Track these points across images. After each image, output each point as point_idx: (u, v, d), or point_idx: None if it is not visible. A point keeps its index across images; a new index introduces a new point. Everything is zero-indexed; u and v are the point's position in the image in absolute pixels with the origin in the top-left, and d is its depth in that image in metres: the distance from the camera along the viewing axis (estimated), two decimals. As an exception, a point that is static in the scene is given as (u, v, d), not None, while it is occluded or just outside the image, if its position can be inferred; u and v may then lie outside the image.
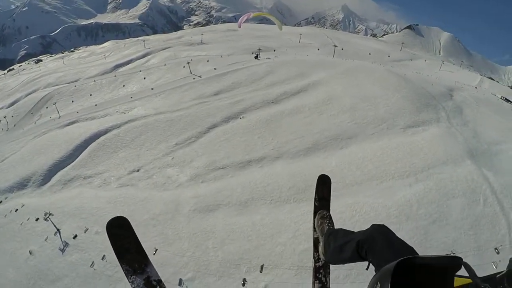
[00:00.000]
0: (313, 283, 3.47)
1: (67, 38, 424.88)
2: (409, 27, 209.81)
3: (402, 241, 1.95)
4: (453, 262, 1.36)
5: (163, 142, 32.77)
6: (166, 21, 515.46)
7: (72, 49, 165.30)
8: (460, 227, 19.56)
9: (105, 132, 36.10)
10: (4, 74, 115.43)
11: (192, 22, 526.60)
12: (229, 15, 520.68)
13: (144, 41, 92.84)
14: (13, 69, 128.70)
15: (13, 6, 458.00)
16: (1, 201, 30.68)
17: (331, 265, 3.27)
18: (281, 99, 36.80)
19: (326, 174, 3.89)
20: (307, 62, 48.01)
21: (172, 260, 19.60)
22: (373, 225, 2.19)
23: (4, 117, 58.63)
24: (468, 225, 19.68)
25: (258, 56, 56.44)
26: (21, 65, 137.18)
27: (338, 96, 34.96)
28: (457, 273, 1.49)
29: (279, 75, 43.23)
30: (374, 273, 1.66)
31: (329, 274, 3.43)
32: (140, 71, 59.56)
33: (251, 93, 39.66)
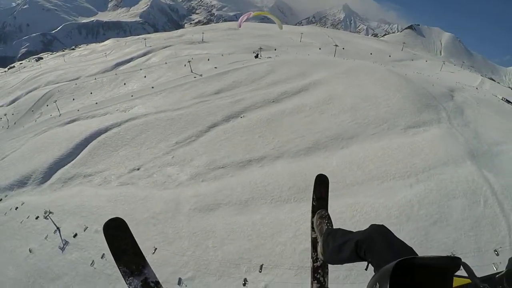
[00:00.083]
0: (312, 283, 3.46)
1: (68, 36, 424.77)
2: (410, 27, 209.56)
3: (401, 241, 1.94)
4: (452, 263, 1.36)
5: (164, 141, 32.74)
6: (167, 19, 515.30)
7: (73, 47, 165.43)
8: (461, 228, 19.55)
9: (106, 130, 36.06)
10: (5, 71, 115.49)
11: (193, 20, 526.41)
12: (230, 13, 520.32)
13: (145, 39, 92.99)
14: (14, 66, 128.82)
15: (14, 4, 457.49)
16: (1, 199, 30.66)
17: (330, 265, 3.26)
18: (282, 98, 36.76)
19: (324, 173, 3.90)
20: (308, 62, 47.94)
21: (172, 259, 19.60)
22: (372, 225, 2.18)
23: (5, 115, 58.63)
24: (468, 226, 19.67)
25: (258, 55, 56.41)
26: (21, 63, 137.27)
27: (339, 95, 34.92)
28: (456, 274, 1.48)
29: (280, 74, 43.18)
30: (373, 273, 1.66)
31: (328, 274, 3.43)
32: (141, 69, 59.50)
33: (251, 92, 39.61)
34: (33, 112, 56.09)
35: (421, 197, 21.19)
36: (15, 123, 54.85)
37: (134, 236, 2.92)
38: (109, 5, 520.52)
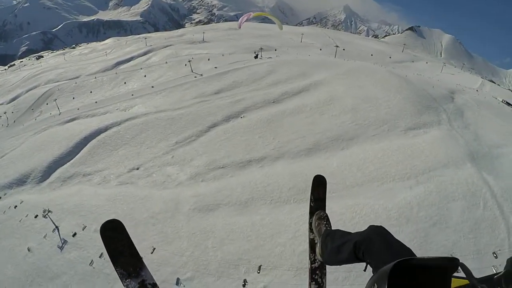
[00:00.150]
0: (310, 284, 3.46)
1: (68, 34, 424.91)
2: (410, 28, 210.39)
3: (400, 242, 1.95)
4: (450, 263, 1.37)
5: (164, 141, 32.71)
6: (168, 19, 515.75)
7: (74, 45, 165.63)
8: (460, 230, 19.50)
9: (105, 129, 36.05)
10: (5, 69, 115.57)
11: (194, 20, 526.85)
12: (230, 13, 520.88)
13: (145, 38, 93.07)
14: (14, 64, 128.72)
15: (14, 2, 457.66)
16: (0, 197, 30.63)
17: (329, 267, 3.24)
18: (283, 98, 36.75)
19: (322, 174, 3.90)
20: (309, 62, 47.95)
21: (171, 259, 19.56)
22: (371, 226, 2.18)
23: (4, 113, 58.63)
24: (468, 228, 19.62)
25: (258, 55, 56.34)
26: (22, 61, 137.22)
27: (340, 96, 34.91)
28: (454, 274, 1.50)
29: (280, 75, 43.19)
30: (372, 274, 1.67)
31: (326, 275, 3.43)
32: (141, 68, 59.52)
33: (252, 92, 39.61)
34: (33, 111, 56.08)
35: (421, 199, 21.14)
36: (14, 121, 54.84)
37: (132, 236, 2.91)
38: (110, 4, 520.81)
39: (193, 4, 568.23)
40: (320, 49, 76.18)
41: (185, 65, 52.89)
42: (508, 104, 47.68)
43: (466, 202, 21.01)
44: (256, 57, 55.71)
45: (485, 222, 19.95)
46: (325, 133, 29.74)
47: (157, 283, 2.93)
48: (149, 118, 36.66)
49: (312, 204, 3.78)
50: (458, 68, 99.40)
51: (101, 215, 23.84)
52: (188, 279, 18.44)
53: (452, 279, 1.49)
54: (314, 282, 3.44)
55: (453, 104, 35.64)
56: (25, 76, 79.87)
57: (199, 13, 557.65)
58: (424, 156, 25.20)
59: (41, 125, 43.72)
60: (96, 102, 48.20)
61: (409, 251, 1.86)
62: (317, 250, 3.20)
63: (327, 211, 3.71)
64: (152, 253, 20.04)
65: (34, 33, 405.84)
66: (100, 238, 2.80)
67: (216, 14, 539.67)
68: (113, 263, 2.81)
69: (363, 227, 2.21)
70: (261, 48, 60.65)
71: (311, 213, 3.73)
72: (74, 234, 22.82)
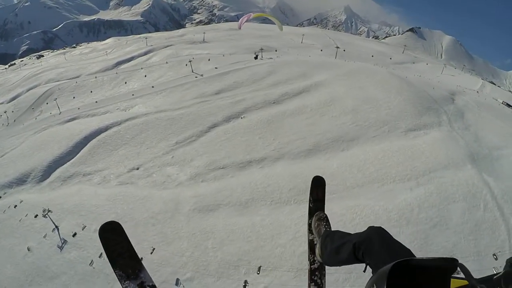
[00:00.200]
0: (309, 286, 3.46)
1: (69, 34, 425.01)
2: (411, 29, 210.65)
3: (399, 243, 1.94)
4: (449, 264, 1.36)
5: (164, 141, 32.69)
6: (169, 19, 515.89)
7: (74, 45, 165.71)
8: (460, 231, 19.51)
9: (106, 129, 36.02)
10: (5, 69, 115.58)
11: (195, 20, 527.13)
12: (231, 14, 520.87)
13: (146, 38, 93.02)
14: (15, 64, 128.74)
15: (15, 1, 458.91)
16: (0, 197, 30.58)
17: (329, 268, 3.24)
18: (283, 99, 36.75)
19: (321, 175, 3.89)
20: (309, 63, 47.96)
21: (171, 259, 19.54)
22: (370, 227, 2.18)
23: (5, 112, 58.59)
24: (468, 230, 19.62)
25: (258, 56, 56.25)
26: (22, 60, 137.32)
27: (340, 97, 34.91)
28: (454, 275, 1.51)
29: (281, 75, 43.18)
30: (372, 275, 1.66)
31: (325, 276, 3.43)
32: (141, 68, 59.52)
33: (252, 92, 39.60)
34: (33, 110, 56.05)
35: (421, 200, 21.14)
36: (15, 121, 54.81)
37: (132, 236, 2.90)
38: (110, 4, 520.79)
39: (193, 4, 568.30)
40: (321, 50, 76.18)
41: (186, 65, 52.91)
42: (508, 105, 47.71)
43: (466, 203, 21.02)
44: (256, 57, 55.63)
45: (486, 223, 19.96)
46: (325, 134, 29.73)
47: (157, 283, 2.91)
48: (149, 118, 36.63)
49: (311, 205, 3.79)
50: (459, 70, 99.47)
51: (101, 215, 23.84)
52: (188, 279, 18.42)
53: (452, 279, 1.50)
54: (313, 283, 3.45)
55: (453, 105, 35.65)
56: (26, 75, 79.83)
57: (199, 13, 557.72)
58: (424, 158, 25.21)
59: (41, 125, 43.68)
60: (96, 101, 48.18)
61: (408, 252, 1.85)
62: (317, 251, 3.20)
63: (327, 212, 3.72)
64: (151, 253, 20.03)
65: (35, 32, 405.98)
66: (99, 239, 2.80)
67: (216, 14, 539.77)
68: (112, 265, 2.81)
69: (363, 229, 2.22)
70: (262, 49, 60.59)
71: (310, 214, 3.75)
72: (74, 234, 22.80)
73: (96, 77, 59.76)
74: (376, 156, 25.89)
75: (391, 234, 2.06)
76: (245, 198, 23.56)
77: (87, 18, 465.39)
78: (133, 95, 46.13)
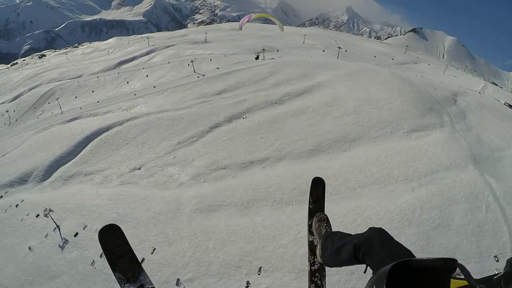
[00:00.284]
0: (309, 287, 3.46)
1: (71, 33, 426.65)
2: (413, 30, 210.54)
3: (400, 244, 1.97)
4: (448, 264, 1.37)
5: (165, 141, 32.69)
6: (170, 19, 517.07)
7: (76, 44, 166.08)
8: (462, 233, 19.45)
9: (107, 129, 36.03)
10: (8, 68, 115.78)
11: (196, 20, 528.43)
12: (233, 14, 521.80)
13: (148, 38, 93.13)
14: (17, 63, 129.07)
15: (18, 0, 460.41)
16: (1, 196, 30.61)
17: (331, 269, 3.24)
18: (285, 100, 36.71)
19: (320, 176, 3.95)
20: (311, 63, 47.92)
21: (172, 260, 19.49)
22: (371, 228, 2.20)
23: (7, 111, 58.72)
24: (470, 231, 19.56)
25: (259, 57, 56.14)
26: (24, 60, 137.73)
27: (342, 98, 34.87)
28: (454, 275, 1.53)
29: (283, 76, 43.15)
30: (372, 276, 1.67)
31: (325, 277, 3.46)
32: (143, 68, 59.57)
33: (254, 93, 39.58)
34: (35, 109, 56.18)
35: (423, 201, 21.07)
36: (16, 120, 54.94)
37: (133, 236, 2.91)
38: (112, 4, 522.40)
39: (195, 5, 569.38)
40: (323, 50, 76.16)
41: (188, 65, 52.95)
42: (510, 106, 47.69)
43: (468, 204, 20.95)
44: (257, 58, 55.50)
45: (488, 225, 19.90)
46: (327, 134, 29.68)
47: (158, 283, 2.92)
48: (151, 118, 36.64)
49: (311, 206, 3.84)
50: (461, 70, 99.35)
51: (103, 215, 23.85)
52: (189, 280, 18.38)
53: (451, 280, 1.50)
54: (313, 285, 3.47)
55: (455, 106, 35.60)
56: (28, 74, 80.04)
57: (201, 13, 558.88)
58: (426, 158, 25.15)
59: (43, 124, 43.75)
60: (98, 101, 48.24)
61: (409, 253, 1.86)
62: (318, 251, 3.22)
63: (328, 213, 3.73)
64: (152, 253, 20.01)
65: (37, 32, 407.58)
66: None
67: (218, 14, 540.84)
68: (111, 268, 2.82)
69: (365, 230, 2.22)
70: (264, 49, 60.60)
71: (310, 215, 3.78)
72: (76, 234, 22.78)
73: (98, 77, 59.84)
74: (378, 157, 25.85)
75: (393, 235, 2.07)
76: (246, 198, 23.51)
77: (89, 18, 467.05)
78: (135, 94, 46.16)
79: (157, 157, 30.61)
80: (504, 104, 48.43)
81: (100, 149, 33.38)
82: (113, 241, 2.83)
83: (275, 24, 47.95)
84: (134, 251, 2.97)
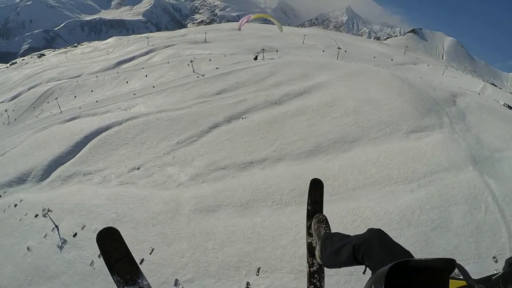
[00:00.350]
0: None
1: (70, 33, 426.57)
2: (412, 31, 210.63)
3: (399, 245, 1.97)
4: (447, 264, 1.37)
5: (164, 141, 32.66)
6: (170, 19, 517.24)
7: (76, 44, 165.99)
8: (461, 234, 19.48)
9: (106, 128, 36.00)
10: (7, 67, 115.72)
11: (196, 20, 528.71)
12: (233, 14, 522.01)
13: (147, 38, 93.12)
14: (16, 62, 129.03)
15: (17, 0, 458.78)
16: (0, 196, 30.57)
17: (330, 270, 3.25)
18: (284, 100, 36.70)
19: (318, 178, 3.93)
20: (311, 64, 47.92)
21: (171, 260, 19.49)
22: (370, 229, 2.20)
23: (6, 111, 58.76)
24: (469, 232, 19.60)
25: (257, 57, 55.95)
26: (24, 59, 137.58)
27: (342, 98, 34.87)
28: (452, 276, 1.52)
29: (282, 76, 43.14)
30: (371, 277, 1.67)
31: (324, 279, 3.46)
32: (142, 68, 59.55)
33: (254, 93, 39.56)
34: (34, 109, 56.18)
35: (423, 202, 21.10)
36: (15, 120, 54.92)
37: (132, 236, 2.93)
38: (112, 3, 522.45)
39: (195, 4, 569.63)
40: (323, 51, 76.21)
41: (188, 65, 52.92)
42: (509, 107, 47.68)
43: (467, 205, 20.98)
44: (255, 58, 55.32)
45: (487, 226, 19.93)
46: (326, 135, 29.68)
47: (157, 284, 2.94)
48: (150, 118, 36.62)
49: (309, 208, 3.86)
50: (460, 71, 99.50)
51: (101, 215, 23.83)
52: (188, 280, 18.37)
53: (450, 280, 1.49)
54: (312, 286, 3.48)
55: (455, 107, 35.61)
56: (27, 74, 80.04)
57: (201, 13, 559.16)
58: (426, 159, 25.17)
59: (42, 124, 43.70)
60: (97, 101, 48.24)
61: (408, 253, 1.87)
62: (317, 253, 3.23)
63: (327, 214, 3.74)
64: (150, 253, 19.99)
65: (37, 31, 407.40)
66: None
67: (218, 14, 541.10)
68: (109, 271, 2.84)
69: (364, 230, 2.23)
70: (263, 49, 60.56)
71: (309, 217, 3.80)
72: (75, 234, 22.75)
73: (97, 77, 59.85)
74: (377, 158, 25.85)
75: (392, 236, 2.07)
76: (245, 199, 23.51)
77: (88, 18, 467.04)
78: (134, 94, 46.13)
79: (156, 157, 30.59)
80: (504, 105, 48.44)
81: (99, 149, 33.34)
82: (111, 244, 2.84)
83: (274, 24, 47.98)
84: (133, 251, 2.97)
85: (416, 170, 24.10)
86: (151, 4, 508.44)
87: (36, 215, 25.22)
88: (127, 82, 54.65)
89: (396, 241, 2.03)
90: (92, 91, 54.84)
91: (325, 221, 3.53)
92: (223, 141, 31.08)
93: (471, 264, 17.60)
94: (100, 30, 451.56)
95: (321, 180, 3.92)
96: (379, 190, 22.89)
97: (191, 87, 44.28)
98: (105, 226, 2.87)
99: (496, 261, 18.03)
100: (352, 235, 2.48)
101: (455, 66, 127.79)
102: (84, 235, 22.41)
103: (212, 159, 28.82)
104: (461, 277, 1.55)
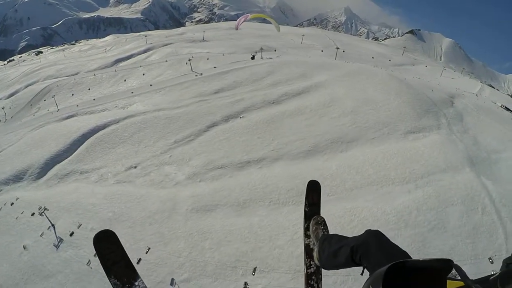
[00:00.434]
0: None
1: (68, 30, 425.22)
2: (411, 31, 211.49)
3: (396, 246, 1.98)
4: (444, 264, 1.38)
5: (162, 139, 32.58)
6: (168, 17, 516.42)
7: (73, 42, 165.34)
8: (458, 234, 19.53)
9: (104, 127, 35.89)
10: (4, 65, 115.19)
11: (194, 19, 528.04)
12: (231, 13, 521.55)
13: (145, 36, 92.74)
14: (13, 60, 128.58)
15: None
16: (-3, 194, 30.47)
17: (328, 271, 3.25)
18: (282, 99, 36.67)
19: (316, 179, 3.96)
20: (309, 64, 47.89)
21: (168, 260, 19.46)
22: (367, 231, 2.21)
23: (2, 108, 58.57)
24: (466, 233, 19.65)
25: (255, 56, 55.82)
26: (21, 56, 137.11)
27: (340, 98, 34.86)
28: (450, 276, 1.52)
29: (280, 76, 43.08)
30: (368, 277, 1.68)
31: (321, 280, 3.47)
32: (140, 66, 59.37)
33: (252, 92, 39.50)
34: (31, 107, 56.03)
35: (420, 203, 21.14)
36: (12, 117, 54.76)
37: (129, 235, 2.91)
38: (110, 1, 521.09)
39: (194, 3, 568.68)
40: (322, 51, 76.21)
41: (186, 63, 52.79)
42: (507, 109, 47.83)
43: (464, 207, 21.03)
44: (252, 58, 55.15)
45: (483, 227, 19.99)
46: (324, 135, 29.68)
47: (154, 283, 2.94)
48: (147, 116, 36.53)
49: (306, 209, 3.87)
50: (458, 72, 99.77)
51: (98, 214, 23.76)
52: (184, 280, 18.34)
53: (448, 281, 1.49)
54: (310, 287, 3.47)
55: (452, 108, 35.66)
56: (24, 71, 79.72)
57: (199, 12, 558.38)
58: (423, 160, 25.21)
59: (39, 122, 43.55)
60: (94, 99, 48.07)
61: (405, 254, 1.88)
62: (315, 254, 3.23)
63: (325, 214, 3.74)
64: (146, 253, 19.95)
65: (34, 28, 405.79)
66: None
67: (216, 13, 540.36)
68: (106, 274, 2.85)
69: (361, 231, 2.23)
70: (262, 48, 60.42)
71: (306, 218, 3.81)
72: (72, 234, 22.67)
73: (94, 75, 59.63)
74: (375, 158, 25.88)
75: (389, 236, 2.08)
76: (243, 198, 23.49)
77: (86, 15, 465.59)
78: (132, 93, 46.00)
79: (153, 156, 30.51)
80: (501, 106, 48.57)
81: (96, 147, 33.24)
82: (108, 247, 2.84)
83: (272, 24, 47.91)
84: (129, 251, 2.96)
85: (413, 171, 24.14)
86: (149, 2, 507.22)
87: (33, 214, 25.15)
88: (124, 80, 54.48)
89: (393, 242, 2.04)
90: (89, 89, 54.67)
91: (323, 223, 3.55)
92: (221, 140, 31.03)
93: (468, 265, 17.63)
94: (98, 28, 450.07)
95: (318, 182, 3.94)
96: (377, 190, 22.91)
97: (189, 86, 44.17)
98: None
99: (492, 262, 18.09)
100: (350, 236, 2.49)
101: (453, 67, 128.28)
102: (81, 234, 22.35)
103: (210, 158, 28.78)
104: (459, 277, 1.55)
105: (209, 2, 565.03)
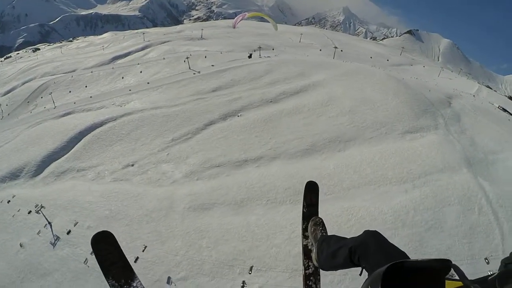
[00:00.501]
0: None
1: (66, 27, 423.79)
2: (409, 32, 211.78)
3: (394, 246, 1.99)
4: (443, 265, 1.40)
5: (159, 137, 32.49)
6: (167, 15, 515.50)
7: (71, 38, 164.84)
8: (455, 234, 19.58)
9: (101, 124, 35.74)
10: (1, 61, 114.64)
11: (193, 16, 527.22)
12: (229, 11, 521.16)
13: (143, 33, 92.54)
14: (11, 56, 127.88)
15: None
16: (-7, 191, 30.32)
17: (325, 271, 3.25)
18: (280, 98, 36.63)
19: (314, 180, 3.98)
20: (307, 63, 47.89)
21: (165, 258, 19.43)
22: (366, 231, 2.21)
23: (-1, 105, 58.26)
24: (462, 233, 19.70)
25: (252, 55, 55.71)
26: (18, 53, 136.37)
27: (338, 98, 34.87)
28: (448, 276, 1.52)
29: (278, 74, 43.05)
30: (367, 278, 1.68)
31: (320, 281, 3.49)
32: (138, 63, 59.19)
33: (250, 91, 39.44)
34: (28, 104, 55.76)
35: (417, 203, 21.17)
36: (9, 114, 54.50)
37: (126, 234, 2.90)
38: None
39: (192, 1, 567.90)
40: (320, 50, 76.27)
41: (184, 61, 52.66)
42: (504, 110, 48.06)
43: (461, 207, 21.08)
44: (250, 56, 55.07)
45: (480, 227, 20.04)
46: (322, 134, 29.68)
47: (151, 282, 2.93)
48: (145, 114, 36.41)
49: (304, 210, 3.88)
50: (455, 73, 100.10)
51: (95, 212, 23.67)
52: (181, 278, 18.32)
53: (446, 281, 1.49)
54: None
55: (450, 109, 35.75)
56: (21, 68, 79.41)
57: (198, 9, 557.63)
58: (420, 160, 25.25)
59: (36, 119, 43.36)
60: (91, 96, 47.90)
61: (403, 254, 1.89)
62: (313, 255, 3.22)
63: (322, 213, 3.74)
64: (143, 251, 19.90)
65: (32, 25, 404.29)
66: (93, 233, 2.78)
67: (215, 11, 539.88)
68: (104, 274, 2.84)
69: (358, 230, 2.22)
70: (260, 47, 60.36)
71: (304, 219, 3.81)
72: (69, 232, 22.58)
73: (92, 72, 59.41)
74: (372, 158, 25.90)
75: (386, 236, 2.10)
76: (240, 197, 23.46)
77: (84, 12, 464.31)
78: (129, 90, 45.85)
79: (150, 154, 30.43)
80: (498, 107, 48.82)
81: (93, 145, 33.11)
82: (105, 248, 2.83)
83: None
84: (126, 249, 2.95)
85: (410, 171, 24.17)
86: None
87: (29, 212, 25.02)
88: (122, 77, 54.31)
89: (391, 242, 2.05)
90: (86, 86, 54.47)
91: (321, 223, 3.55)
92: (218, 139, 30.98)
93: (464, 265, 17.66)
94: (95, 25, 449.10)
95: (316, 183, 3.95)
96: (374, 190, 22.93)
97: (187, 84, 44.06)
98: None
99: (488, 263, 18.15)
100: (348, 237, 2.50)
101: (450, 68, 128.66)
102: (78, 232, 22.27)
103: (207, 156, 28.72)
104: (457, 277, 1.54)
105: (207, 0, 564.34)
